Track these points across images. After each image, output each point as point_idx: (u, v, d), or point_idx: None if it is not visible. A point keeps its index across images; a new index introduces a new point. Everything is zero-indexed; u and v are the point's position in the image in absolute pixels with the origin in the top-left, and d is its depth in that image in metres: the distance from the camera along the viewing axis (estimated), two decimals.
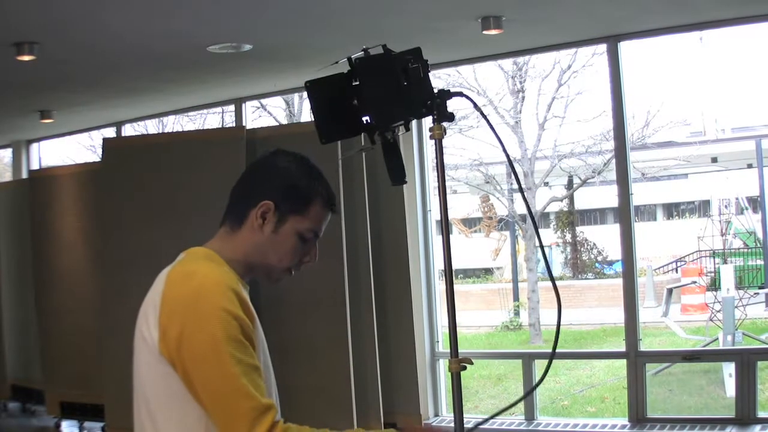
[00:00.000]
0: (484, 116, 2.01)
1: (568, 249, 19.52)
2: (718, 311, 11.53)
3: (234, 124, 8.04)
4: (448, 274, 1.99)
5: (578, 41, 6.29)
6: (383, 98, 1.95)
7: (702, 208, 23.11)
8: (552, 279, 2.17)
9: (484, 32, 5.34)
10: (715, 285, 14.40)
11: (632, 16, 5.45)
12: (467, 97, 1.94)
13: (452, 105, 1.95)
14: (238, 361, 1.74)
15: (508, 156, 2.07)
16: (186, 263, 1.90)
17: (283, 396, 1.98)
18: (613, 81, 5.96)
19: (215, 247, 1.96)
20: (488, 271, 20.86)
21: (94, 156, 15.18)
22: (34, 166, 9.30)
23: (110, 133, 8.83)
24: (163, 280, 1.86)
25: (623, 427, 5.88)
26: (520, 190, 2.23)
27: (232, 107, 7.76)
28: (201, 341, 1.75)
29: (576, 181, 16.97)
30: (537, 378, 6.38)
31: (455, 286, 2.13)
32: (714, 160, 20.76)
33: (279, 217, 1.93)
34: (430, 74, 1.96)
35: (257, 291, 2.17)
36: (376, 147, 2.03)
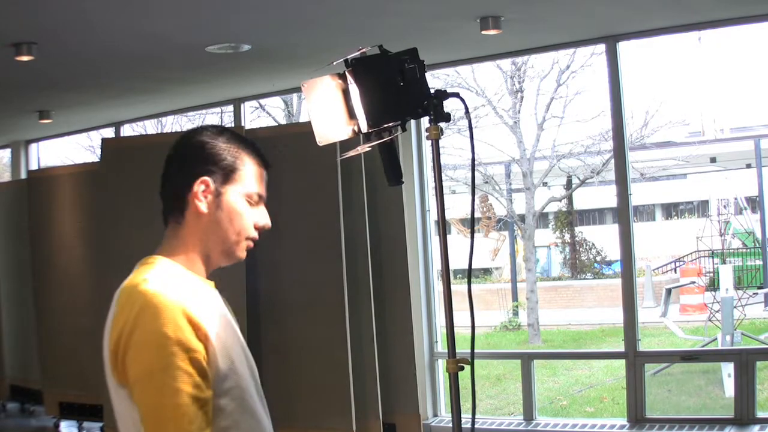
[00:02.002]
0: (470, 123, 2.00)
1: (567, 249, 19.53)
2: (717, 311, 11.53)
3: (233, 125, 8.04)
4: (446, 274, 1.99)
5: (577, 41, 6.29)
6: (379, 99, 1.94)
7: (701, 208, 23.14)
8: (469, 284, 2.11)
9: (483, 32, 5.34)
10: (713, 285, 14.42)
11: (631, 16, 5.45)
12: (461, 99, 1.94)
13: (450, 105, 1.95)
14: (174, 392, 1.64)
15: (473, 168, 2.07)
16: (136, 278, 1.78)
17: (282, 396, 1.98)
18: (612, 81, 5.95)
19: (167, 252, 1.86)
20: (487, 272, 20.87)
21: (93, 156, 15.21)
22: (33, 166, 9.30)
23: (109, 133, 8.83)
24: (114, 301, 1.78)
25: (622, 427, 5.88)
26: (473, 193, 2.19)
27: (230, 107, 7.76)
28: (139, 367, 1.67)
29: (575, 181, 16.98)
30: (536, 378, 6.39)
31: (453, 286, 2.13)
32: (713, 160, 20.77)
33: (215, 191, 1.84)
34: (428, 74, 1.96)
35: (257, 292, 2.17)
36: (374, 148, 2.03)
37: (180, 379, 1.65)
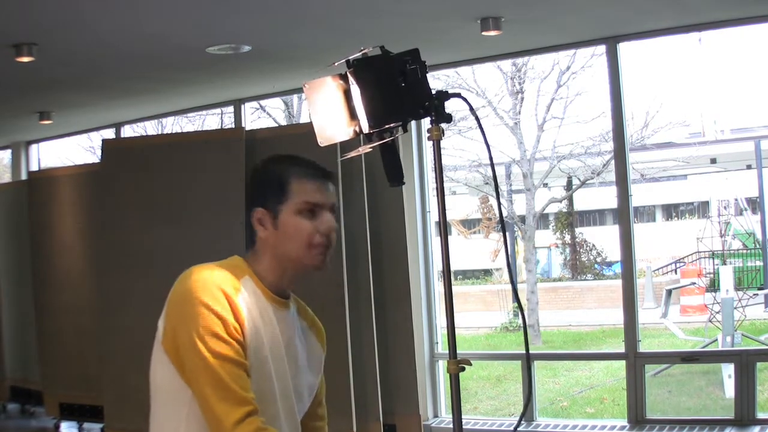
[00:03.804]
0: (478, 121, 2.00)
1: (568, 250, 19.52)
2: (717, 312, 11.52)
3: (233, 125, 8.04)
4: (447, 275, 1.99)
5: (577, 42, 6.29)
6: (380, 99, 1.94)
7: (701, 209, 23.12)
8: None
9: (483, 33, 5.34)
10: (714, 286, 14.41)
11: (631, 17, 5.45)
12: (464, 99, 1.94)
13: (451, 106, 1.94)
14: (216, 355, 1.83)
15: (492, 165, 2.08)
16: (202, 264, 1.98)
17: None
18: (612, 82, 5.95)
19: (249, 261, 2.04)
20: (487, 272, 20.86)
21: (94, 157, 15.19)
22: (33, 167, 9.29)
23: (109, 134, 8.82)
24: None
25: (622, 428, 5.87)
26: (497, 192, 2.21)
27: (231, 108, 7.76)
28: (184, 336, 1.86)
29: (575, 182, 16.97)
30: (536, 379, 6.38)
31: (454, 287, 2.12)
32: (713, 161, 20.76)
33: (272, 214, 2.00)
34: (428, 75, 1.96)
35: None
36: (375, 148, 2.03)
37: (221, 345, 1.84)
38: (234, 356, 1.85)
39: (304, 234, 1.99)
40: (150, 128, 14.13)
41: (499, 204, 2.07)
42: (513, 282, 2.32)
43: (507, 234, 2.16)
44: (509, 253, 2.11)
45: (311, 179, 2.01)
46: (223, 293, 1.88)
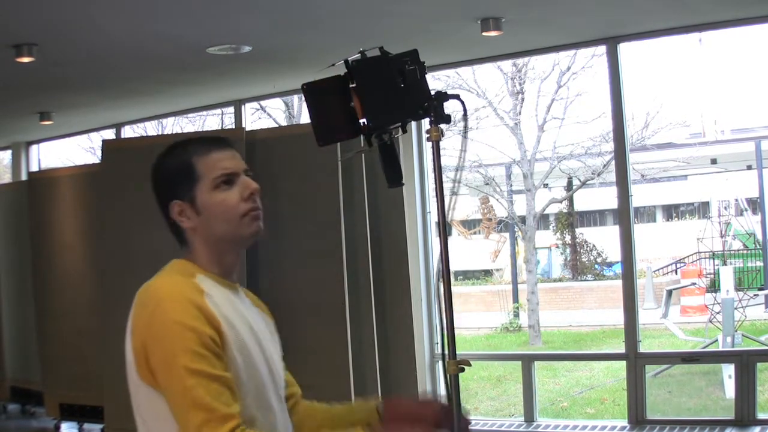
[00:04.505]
0: (465, 126, 2.00)
1: (568, 250, 19.51)
2: (718, 313, 11.53)
3: (233, 126, 8.04)
4: (446, 275, 1.99)
5: (578, 43, 6.30)
6: (380, 100, 1.94)
7: (701, 209, 23.10)
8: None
9: (484, 34, 5.34)
10: (714, 286, 14.40)
11: (631, 17, 5.45)
12: (461, 102, 1.93)
13: (450, 107, 1.94)
14: (193, 373, 1.72)
15: (459, 169, 2.07)
16: (155, 278, 1.89)
17: None
18: (613, 82, 5.96)
19: (189, 259, 1.95)
20: (488, 273, 20.85)
21: (94, 158, 15.17)
22: (34, 167, 9.30)
23: (110, 134, 8.83)
24: (133, 304, 1.86)
25: (623, 428, 5.88)
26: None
27: (231, 109, 7.77)
28: (158, 357, 1.76)
29: (575, 182, 16.96)
30: (537, 379, 6.38)
31: (454, 288, 2.12)
32: (713, 161, 20.74)
33: (189, 202, 1.91)
34: (428, 76, 1.96)
35: (257, 293, 2.17)
36: (374, 149, 2.02)
37: (198, 361, 1.73)
38: (212, 371, 1.74)
39: (230, 206, 1.90)
40: (150, 129, 14.11)
41: (442, 208, 1.98)
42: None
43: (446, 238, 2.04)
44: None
45: (213, 151, 1.92)
46: (191, 302, 1.79)
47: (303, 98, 2.08)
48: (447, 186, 2.01)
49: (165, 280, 1.86)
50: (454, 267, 2.01)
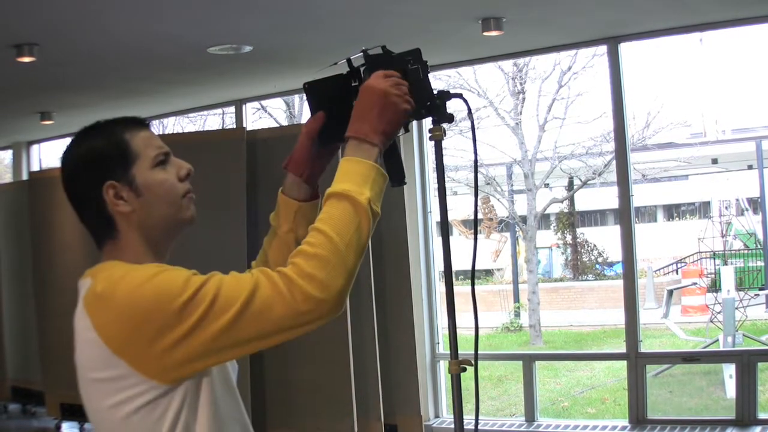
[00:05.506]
0: (473, 124, 1.99)
1: (569, 250, 19.52)
2: (719, 312, 11.54)
3: (234, 126, 8.04)
4: (448, 274, 1.99)
5: (578, 42, 6.29)
6: None
7: (702, 209, 23.12)
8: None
9: (485, 33, 5.34)
10: (715, 286, 14.42)
11: (632, 17, 5.45)
12: (464, 100, 1.93)
13: (452, 106, 1.94)
14: (197, 291, 1.55)
15: (476, 169, 2.04)
16: (90, 289, 1.67)
17: (283, 397, 1.98)
18: (614, 82, 5.96)
19: (121, 257, 1.73)
20: (489, 273, 20.86)
21: None
22: (34, 167, 9.30)
23: None
24: (79, 312, 1.66)
25: (623, 428, 5.88)
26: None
27: (232, 109, 7.76)
28: (155, 320, 1.55)
29: (576, 182, 16.97)
30: (537, 379, 6.38)
31: (455, 288, 2.12)
32: (714, 161, 20.75)
33: (126, 182, 1.70)
34: (430, 75, 1.95)
35: None
36: None
37: (194, 278, 1.58)
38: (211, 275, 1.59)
39: (170, 186, 1.73)
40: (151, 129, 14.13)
41: (476, 208, 2.01)
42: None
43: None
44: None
45: (142, 130, 1.76)
46: (149, 266, 1.62)
47: (304, 98, 2.07)
48: (448, 186, 2.01)
49: (108, 274, 1.65)
50: (454, 267, 2.00)
